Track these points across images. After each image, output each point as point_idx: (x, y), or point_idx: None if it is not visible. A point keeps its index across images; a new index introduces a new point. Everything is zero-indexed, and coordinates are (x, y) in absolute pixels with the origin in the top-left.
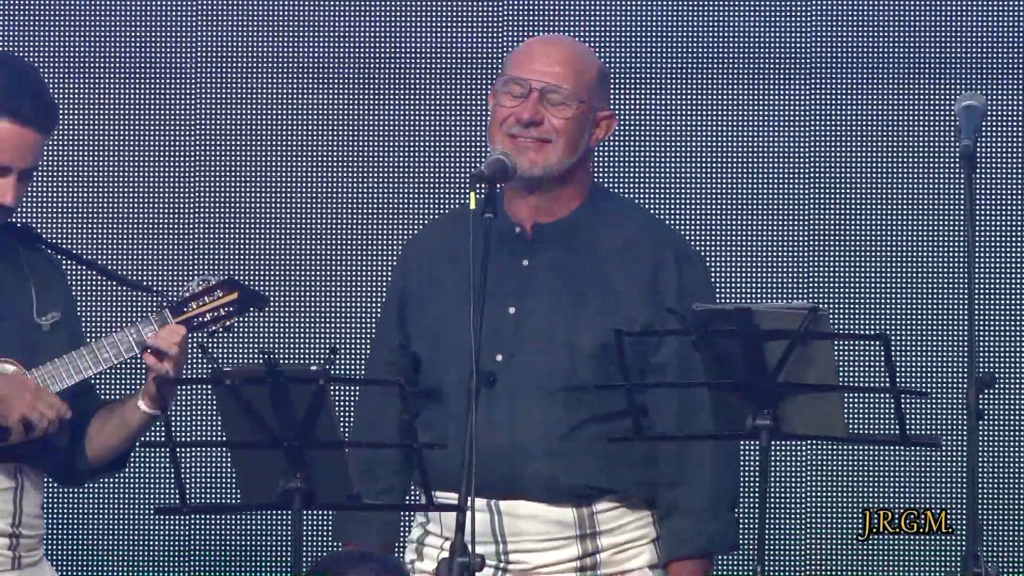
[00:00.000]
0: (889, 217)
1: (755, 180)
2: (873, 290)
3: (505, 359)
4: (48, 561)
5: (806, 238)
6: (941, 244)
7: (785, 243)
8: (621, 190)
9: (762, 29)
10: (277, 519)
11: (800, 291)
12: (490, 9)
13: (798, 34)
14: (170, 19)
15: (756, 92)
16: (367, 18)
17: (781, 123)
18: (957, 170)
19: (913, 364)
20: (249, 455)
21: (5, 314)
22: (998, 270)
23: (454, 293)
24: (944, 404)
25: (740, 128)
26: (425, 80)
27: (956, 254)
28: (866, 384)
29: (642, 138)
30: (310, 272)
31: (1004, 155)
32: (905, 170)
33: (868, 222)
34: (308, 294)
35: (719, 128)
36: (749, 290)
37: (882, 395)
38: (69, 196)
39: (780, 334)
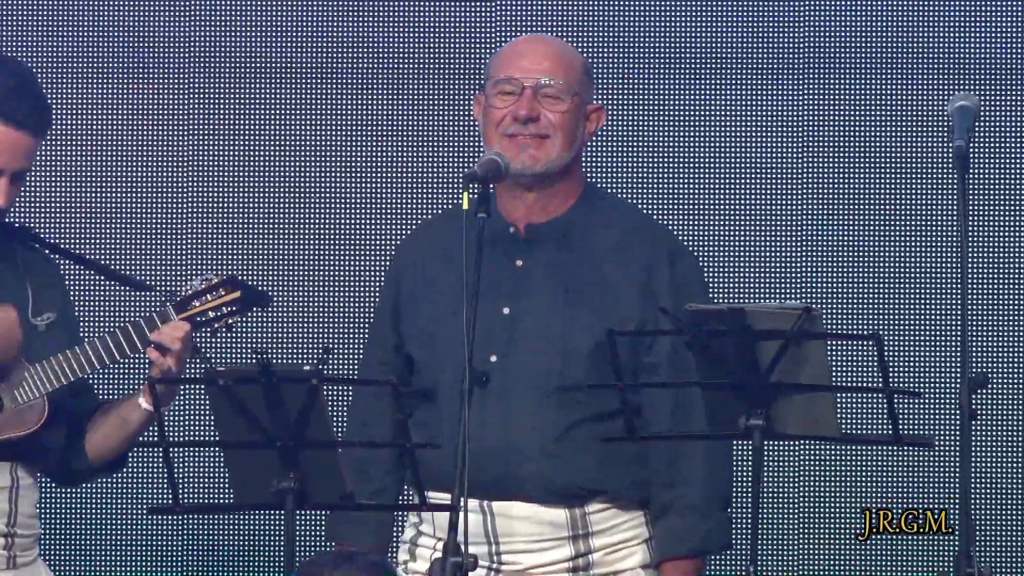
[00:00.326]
0: (882, 217)
1: (748, 180)
2: (866, 290)
3: (499, 359)
4: (43, 561)
5: (799, 238)
6: (934, 244)
7: (778, 243)
8: (615, 190)
9: (756, 29)
10: (270, 519)
11: (793, 291)
12: (483, 9)
13: (791, 34)
14: (170, 19)
15: (749, 92)
16: (361, 18)
17: (774, 123)
18: (950, 170)
19: (906, 364)
20: (242, 455)
21: None
22: (991, 270)
23: (448, 293)
24: (937, 404)
25: (733, 128)
26: (419, 81)
27: (949, 254)
28: (859, 384)
29: (636, 138)
30: (303, 272)
31: (997, 155)
32: (898, 170)
33: (861, 222)
34: (301, 294)
35: (713, 128)
36: (742, 290)
37: (875, 395)
38: (69, 196)
39: (773, 334)
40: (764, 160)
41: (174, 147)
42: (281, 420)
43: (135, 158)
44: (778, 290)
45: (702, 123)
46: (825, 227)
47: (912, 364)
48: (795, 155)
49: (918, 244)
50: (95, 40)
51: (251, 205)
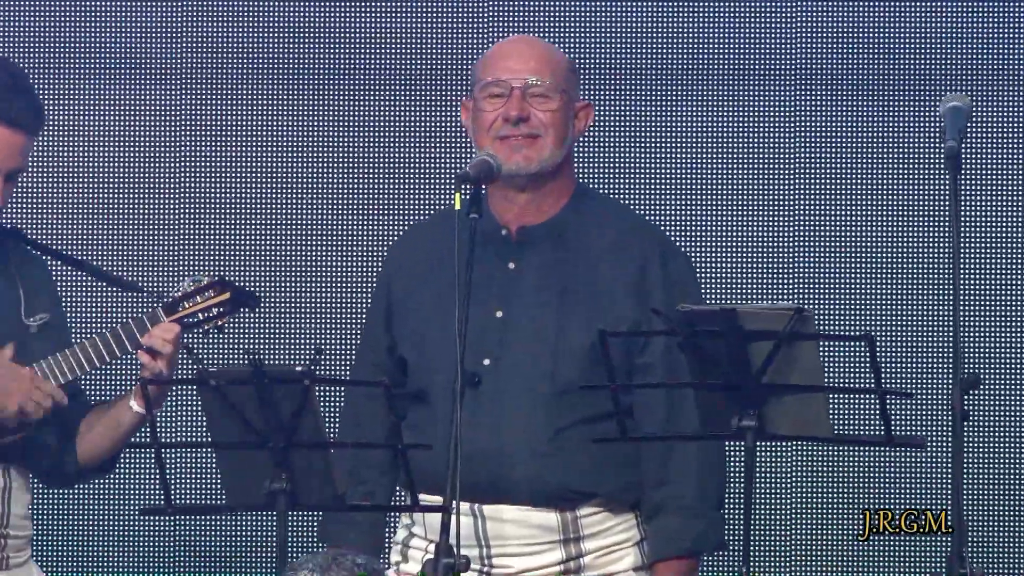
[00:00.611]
0: (874, 218)
1: (740, 180)
2: (858, 291)
3: (492, 362)
4: (35, 562)
5: (791, 239)
6: (926, 245)
7: (770, 244)
8: (607, 191)
9: (748, 30)
10: (263, 520)
11: (785, 292)
12: (476, 10)
13: (783, 35)
14: (160, 19)
15: (742, 94)
16: (352, 19)
17: (766, 124)
18: (942, 171)
19: (898, 365)
20: (234, 456)
21: None
22: (983, 271)
23: (440, 294)
24: (929, 405)
25: (726, 130)
26: (411, 81)
27: (941, 255)
28: (851, 385)
29: (629, 139)
30: (295, 273)
31: (989, 156)
32: (890, 171)
33: (853, 223)
34: (293, 295)
35: (705, 130)
36: (734, 291)
37: (867, 396)
38: (59, 197)
39: (765, 335)
40: (756, 161)
41: (165, 148)
42: (273, 421)
43: (126, 159)
44: (770, 291)
45: (694, 124)
46: (817, 228)
47: (904, 365)
48: (787, 156)
49: (910, 245)
50: (86, 41)
51: (243, 206)
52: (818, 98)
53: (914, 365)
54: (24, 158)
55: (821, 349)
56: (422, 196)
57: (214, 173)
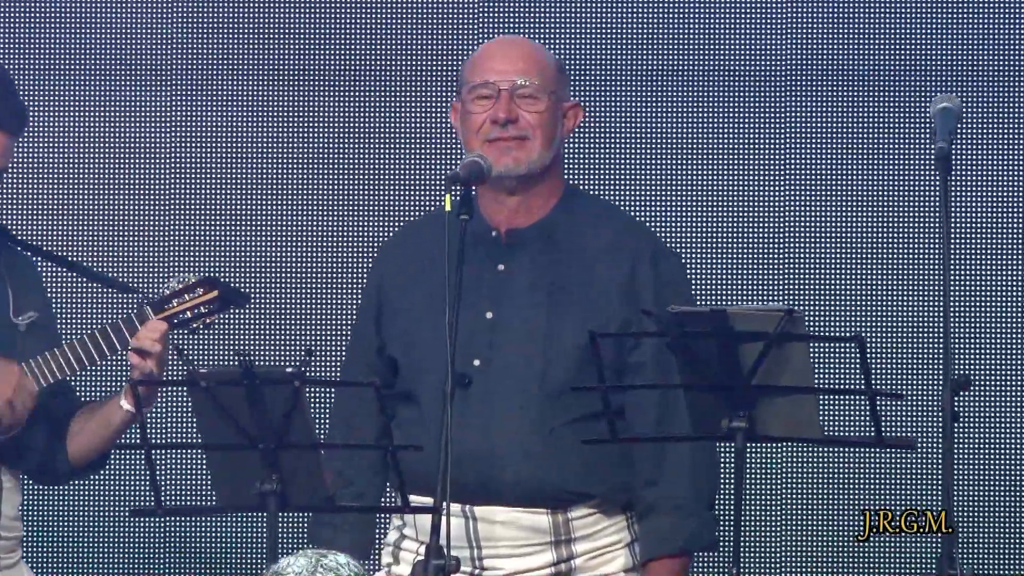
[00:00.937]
0: (864, 219)
1: (731, 182)
2: (849, 292)
3: (482, 363)
4: (25, 563)
5: (781, 240)
6: (916, 246)
7: (761, 245)
8: (599, 192)
9: (739, 32)
10: (253, 521)
11: (775, 293)
12: (469, 11)
13: (774, 37)
14: (150, 20)
15: (733, 96)
16: (344, 20)
17: (757, 125)
18: (932, 172)
19: (889, 366)
20: (225, 457)
21: None
22: (973, 272)
23: (430, 296)
24: (920, 406)
25: (717, 132)
26: (402, 83)
27: (932, 256)
28: (842, 386)
29: (621, 140)
30: (286, 274)
31: (979, 157)
32: (880, 172)
33: (844, 224)
34: (284, 296)
35: (697, 131)
36: (725, 292)
37: (858, 397)
38: (47, 196)
39: (755, 336)
40: (746, 162)
41: (155, 148)
42: (263, 422)
43: (115, 159)
44: (760, 292)
45: (686, 125)
46: (807, 229)
47: (895, 366)
48: (777, 157)
49: (900, 246)
50: (77, 40)
51: (233, 206)
52: (809, 99)
53: (904, 366)
54: (6, 158)
55: (811, 350)
56: (413, 197)
57: (204, 174)
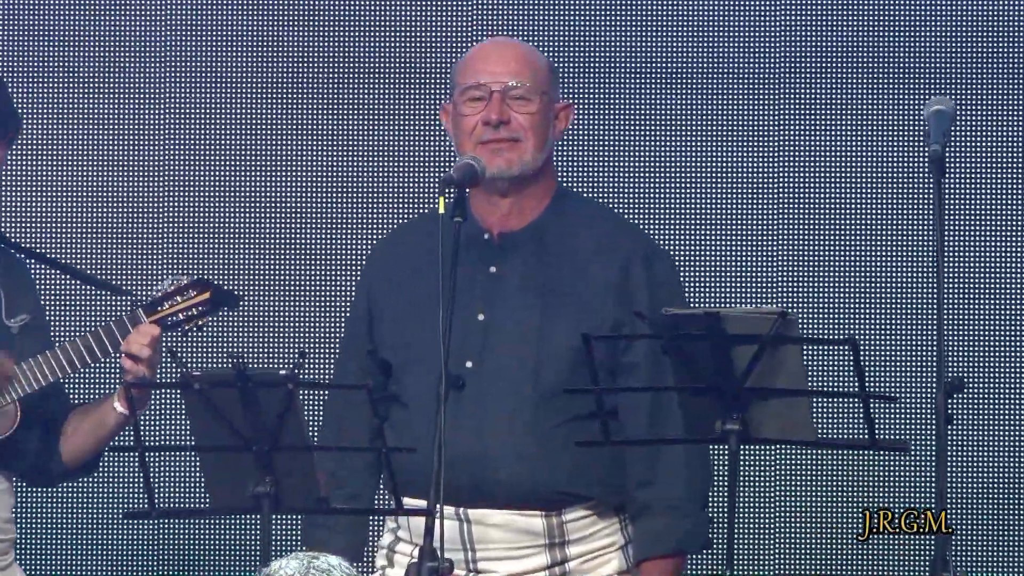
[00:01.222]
0: (858, 221)
1: (724, 184)
2: (842, 294)
3: (475, 365)
4: (19, 565)
5: (775, 242)
6: (910, 248)
7: (754, 247)
8: (593, 193)
9: (733, 35)
10: (247, 523)
11: (769, 295)
12: (462, 11)
13: (767, 39)
14: (142, 22)
15: (726, 98)
16: (336, 23)
17: (750, 127)
18: (926, 174)
19: (882, 368)
20: (218, 459)
21: None
22: (967, 274)
23: (422, 298)
24: (913, 408)
25: (710, 132)
26: (394, 85)
27: (926, 258)
28: (835, 388)
29: (615, 141)
30: (280, 276)
31: (973, 159)
32: (874, 174)
33: (838, 226)
34: (277, 298)
35: (690, 133)
36: (718, 294)
37: (851, 399)
38: (39, 198)
39: (749, 338)
40: (740, 164)
41: (148, 151)
42: (257, 424)
43: (108, 161)
44: (754, 294)
45: (679, 126)
46: (801, 231)
47: (888, 368)
48: (771, 159)
49: (894, 248)
50: (68, 43)
51: (227, 209)
52: (802, 102)
53: (898, 368)
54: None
55: (805, 353)
56: (405, 199)
57: (197, 175)
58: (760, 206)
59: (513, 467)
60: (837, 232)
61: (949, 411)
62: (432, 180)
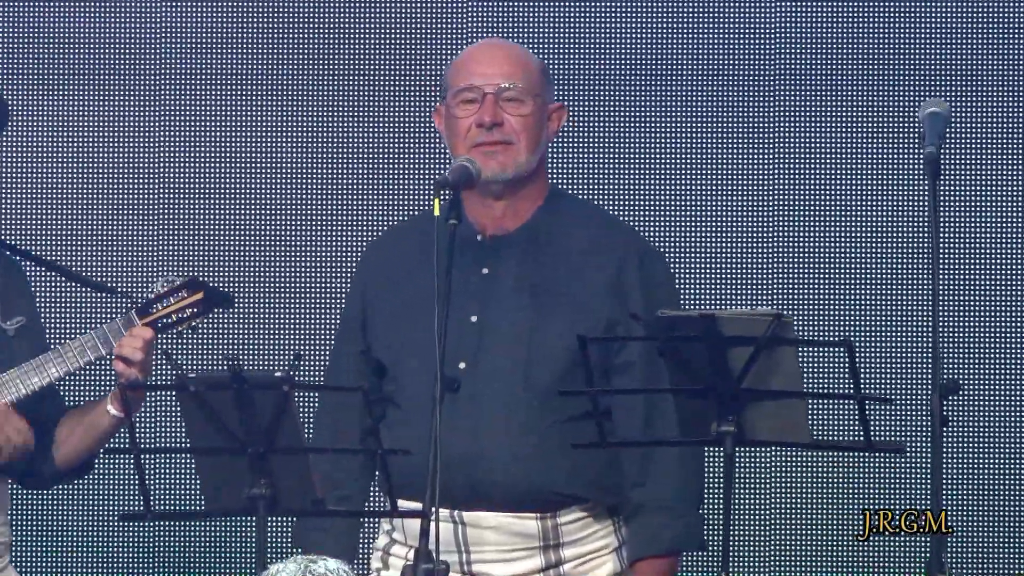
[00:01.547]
0: (854, 223)
1: (720, 186)
2: (838, 296)
3: (468, 367)
4: (14, 568)
5: (771, 244)
6: (905, 250)
7: (749, 249)
8: (588, 194)
9: (729, 38)
10: (242, 525)
11: (764, 297)
12: (456, 12)
13: (763, 42)
14: (135, 22)
15: (722, 100)
16: (329, 24)
17: (746, 129)
18: (921, 176)
19: (877, 370)
20: (213, 461)
21: None
22: (963, 276)
23: (416, 299)
24: (909, 410)
25: (706, 135)
26: (389, 87)
27: (921, 260)
28: (830, 390)
29: (610, 143)
30: (275, 278)
31: (968, 161)
32: (870, 176)
33: (833, 228)
34: (273, 300)
35: (686, 134)
36: (714, 296)
37: (847, 401)
38: (33, 200)
39: (744, 340)
40: (735, 165)
41: (143, 152)
42: (252, 426)
43: (103, 162)
44: (749, 296)
45: (674, 128)
46: (796, 232)
47: (884, 370)
48: (767, 160)
49: (889, 250)
50: (61, 42)
51: (222, 211)
52: (797, 103)
53: (894, 370)
54: None
55: (800, 354)
56: (400, 200)
57: (192, 177)
58: (756, 208)
59: (509, 468)
60: (833, 234)
61: (945, 413)
62: (427, 182)
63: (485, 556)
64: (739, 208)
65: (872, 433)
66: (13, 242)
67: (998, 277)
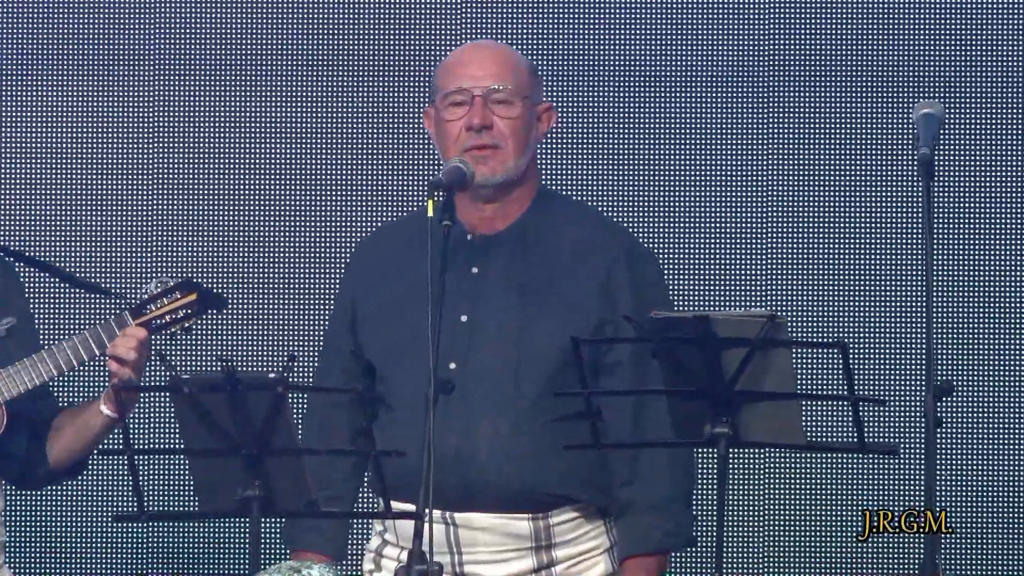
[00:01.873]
0: (847, 225)
1: (714, 186)
2: (831, 298)
3: (459, 367)
4: (8, 568)
5: (764, 245)
6: (899, 252)
7: (744, 250)
8: (582, 195)
9: (721, 38)
10: (236, 526)
11: (759, 298)
12: (445, 13)
13: (757, 43)
14: (123, 20)
15: (715, 100)
16: (321, 24)
17: (739, 131)
18: (915, 178)
19: (871, 372)
20: (207, 462)
21: None
22: (956, 277)
23: (406, 298)
24: (902, 412)
25: (700, 135)
26: (380, 86)
27: (914, 262)
28: (825, 392)
29: (604, 143)
30: (269, 279)
31: (962, 163)
32: (863, 178)
33: (826, 230)
34: (266, 301)
35: (680, 135)
36: (708, 297)
37: (841, 403)
38: (26, 200)
39: (738, 342)
40: (729, 167)
41: (135, 152)
42: (246, 428)
43: (95, 162)
44: (743, 297)
45: (668, 129)
46: (790, 234)
47: (877, 371)
48: (760, 162)
49: (883, 252)
50: (52, 40)
51: (215, 211)
52: (791, 105)
53: (887, 372)
54: None
55: (794, 356)
56: (394, 202)
57: (186, 178)
58: (749, 209)
59: (502, 468)
60: (826, 235)
61: (938, 414)
62: (419, 182)
63: (477, 557)
64: (733, 209)
65: (866, 435)
66: (6, 243)
67: (992, 278)
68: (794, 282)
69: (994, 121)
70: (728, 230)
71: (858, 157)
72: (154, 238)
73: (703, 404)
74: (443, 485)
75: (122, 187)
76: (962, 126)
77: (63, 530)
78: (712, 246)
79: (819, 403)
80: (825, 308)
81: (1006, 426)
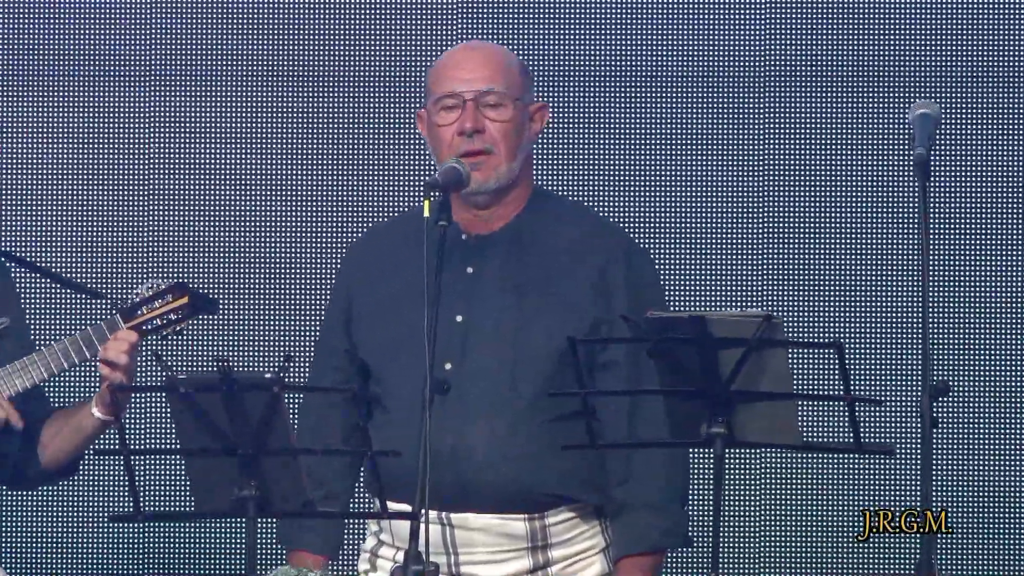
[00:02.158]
0: (844, 224)
1: (710, 186)
2: (828, 298)
3: (454, 367)
4: (2, 568)
5: (761, 245)
6: (895, 252)
7: (740, 250)
8: (578, 195)
9: (717, 38)
10: (232, 526)
11: (755, 299)
12: (441, 14)
13: (754, 43)
14: (121, 24)
15: (712, 100)
16: (316, 25)
17: (736, 132)
18: (911, 178)
19: (868, 372)
20: (203, 462)
21: None
22: (952, 278)
23: (401, 298)
24: (898, 412)
25: (697, 135)
26: (376, 89)
27: (910, 262)
28: (821, 392)
29: (601, 143)
30: (264, 279)
31: (958, 163)
32: (860, 177)
33: (823, 229)
34: (262, 301)
35: (676, 135)
36: (704, 298)
37: (837, 403)
38: (19, 201)
39: (735, 342)
40: (726, 166)
41: (131, 154)
42: (242, 428)
43: (89, 164)
44: (739, 297)
45: (665, 129)
46: (787, 234)
47: (874, 371)
48: (757, 162)
49: (879, 252)
50: (51, 44)
51: (211, 212)
52: (788, 105)
53: (883, 372)
54: None
55: (791, 356)
56: (389, 203)
57: (180, 180)
58: (745, 209)
59: (499, 468)
60: (823, 235)
61: (934, 414)
62: (415, 183)
63: (474, 557)
64: (729, 209)
65: (862, 435)
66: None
67: (988, 278)
68: (790, 282)
69: (990, 121)
70: (724, 230)
71: (854, 157)
72: (149, 239)
73: (699, 404)
74: (439, 485)
75: (115, 189)
76: (958, 126)
77: (59, 530)
78: (708, 246)
79: (815, 403)
80: (821, 308)
81: (1002, 426)
